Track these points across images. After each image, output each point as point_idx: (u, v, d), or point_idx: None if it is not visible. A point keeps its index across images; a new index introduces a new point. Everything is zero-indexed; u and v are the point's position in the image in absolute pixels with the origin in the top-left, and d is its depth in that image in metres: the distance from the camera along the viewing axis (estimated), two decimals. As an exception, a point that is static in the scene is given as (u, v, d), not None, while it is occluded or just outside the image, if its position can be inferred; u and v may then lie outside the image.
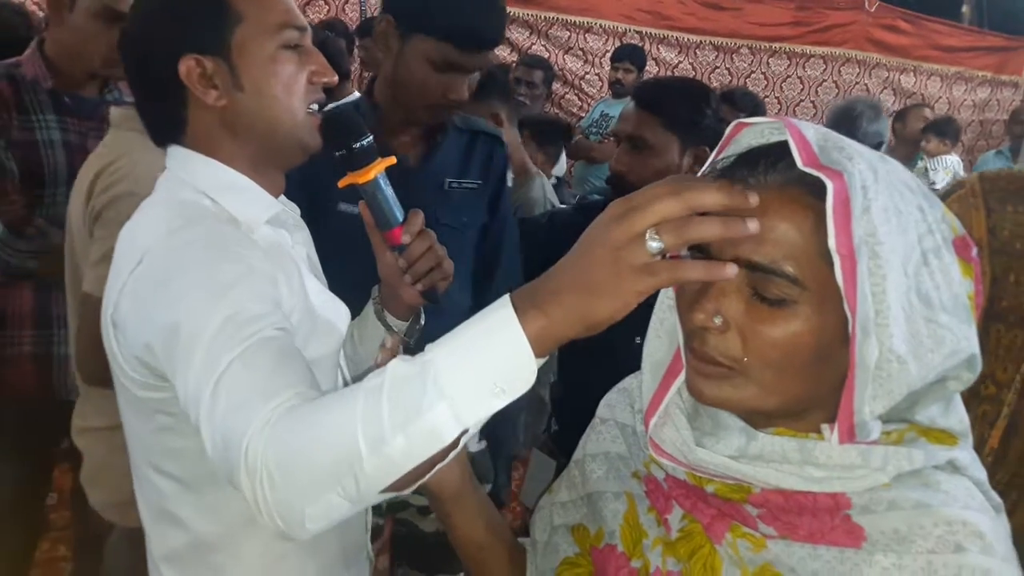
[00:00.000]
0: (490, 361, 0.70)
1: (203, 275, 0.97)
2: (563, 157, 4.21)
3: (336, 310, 1.22)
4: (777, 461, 0.75)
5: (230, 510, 1.09)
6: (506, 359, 0.70)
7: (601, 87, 5.81)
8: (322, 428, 0.76)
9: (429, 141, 1.81)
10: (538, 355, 0.70)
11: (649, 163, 1.86)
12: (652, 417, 0.82)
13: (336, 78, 1.17)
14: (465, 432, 0.72)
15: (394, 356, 0.93)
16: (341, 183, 1.16)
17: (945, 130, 4.94)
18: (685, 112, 1.87)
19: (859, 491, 0.73)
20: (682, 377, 0.81)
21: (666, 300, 0.84)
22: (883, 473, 0.72)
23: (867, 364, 0.69)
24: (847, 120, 3.42)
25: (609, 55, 5.43)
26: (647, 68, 5.83)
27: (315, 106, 1.15)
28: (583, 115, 5.57)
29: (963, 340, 0.71)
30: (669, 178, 0.68)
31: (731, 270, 0.66)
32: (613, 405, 0.98)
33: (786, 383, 0.73)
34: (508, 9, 6.35)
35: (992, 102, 6.90)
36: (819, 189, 0.67)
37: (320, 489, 0.75)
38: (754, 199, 0.67)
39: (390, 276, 1.23)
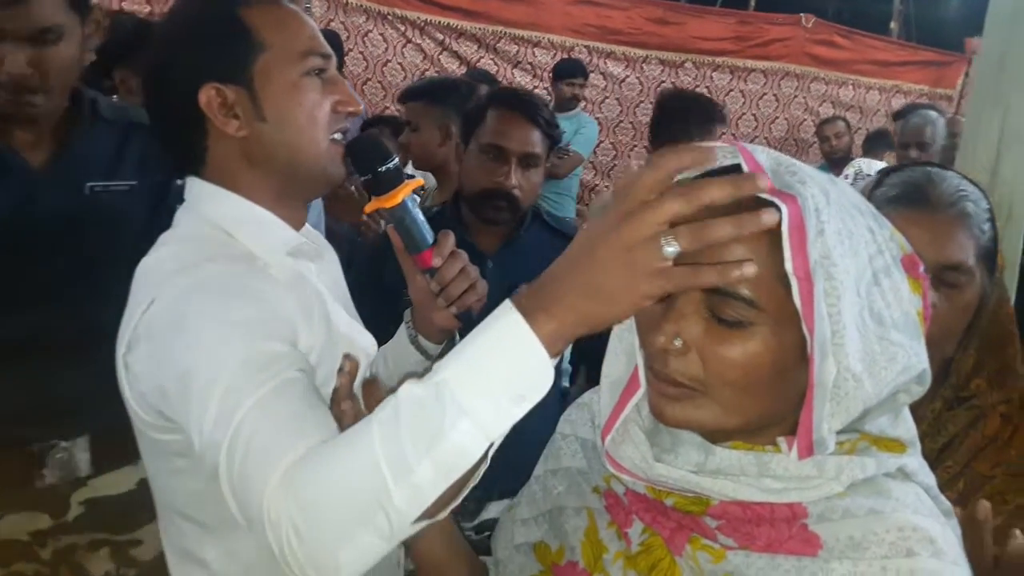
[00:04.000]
0: (505, 368, 0.69)
1: (216, 316, 0.94)
2: None
3: (361, 342, 1.20)
4: (735, 474, 0.77)
5: (251, 553, 1.05)
6: (521, 364, 0.69)
7: (550, 102, 5.86)
8: (342, 469, 0.73)
9: (58, 136, 1.57)
10: (552, 356, 0.69)
11: (537, 178, 1.94)
12: (608, 433, 0.83)
13: (361, 107, 1.15)
14: (491, 446, 0.71)
15: (352, 381, 0.93)
16: (367, 208, 1.14)
17: (877, 144, 5.10)
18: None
19: (815, 500, 0.75)
20: (640, 394, 0.82)
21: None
22: (837, 482, 0.75)
23: (825, 383, 0.71)
24: None
25: (558, 69, 5.48)
26: (594, 83, 5.95)
27: (339, 135, 1.12)
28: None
29: (914, 356, 0.74)
30: (654, 158, 0.68)
31: (749, 269, 0.67)
32: (574, 420, 0.99)
33: (746, 402, 0.74)
34: (456, 23, 6.33)
35: (930, 115, 7.12)
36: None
37: (351, 531, 0.73)
38: (763, 181, 0.67)
39: (422, 300, 1.18)
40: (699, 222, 0.66)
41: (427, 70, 5.82)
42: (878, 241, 0.74)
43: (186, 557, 1.12)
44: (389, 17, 5.81)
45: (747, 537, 0.76)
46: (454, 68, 5.86)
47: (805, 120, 6.68)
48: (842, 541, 0.73)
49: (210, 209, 1.10)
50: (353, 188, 2.45)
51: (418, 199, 1.17)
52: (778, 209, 0.68)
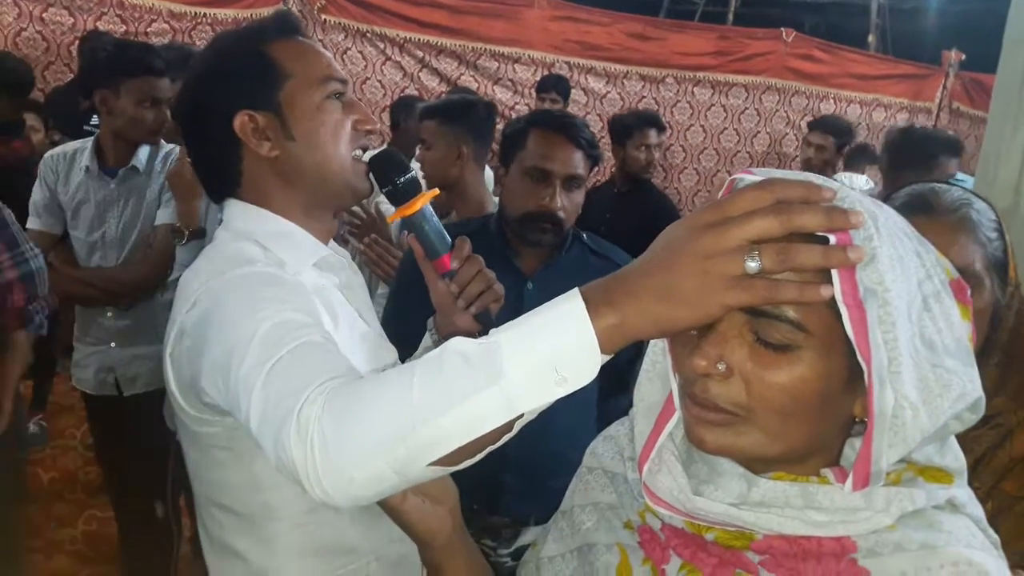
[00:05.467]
0: (553, 348, 0.68)
1: (249, 296, 1.04)
2: (492, 185, 4.13)
3: (382, 353, 1.28)
4: (779, 506, 0.73)
5: (284, 542, 1.18)
6: (570, 348, 0.68)
7: (531, 117, 5.83)
8: (378, 395, 0.76)
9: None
10: (606, 351, 0.68)
11: (579, 199, 1.94)
12: (645, 462, 0.80)
13: (378, 125, 1.26)
14: (521, 417, 0.71)
15: None
16: (390, 218, 1.31)
17: (858, 159, 5.10)
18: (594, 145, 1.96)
19: (864, 534, 0.72)
20: (674, 420, 0.79)
21: (658, 343, 0.82)
22: (886, 515, 0.71)
23: (884, 414, 0.68)
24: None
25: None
26: (575, 99, 5.92)
27: (360, 151, 1.23)
28: (514, 145, 5.56)
29: (968, 383, 0.71)
30: (765, 182, 0.66)
31: (826, 291, 0.64)
32: (600, 454, 0.95)
33: (790, 429, 0.71)
34: (436, 40, 6.32)
35: (910, 128, 7.20)
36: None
37: (370, 454, 0.75)
38: (856, 218, 0.64)
39: (443, 304, 1.26)
40: (787, 244, 0.63)
41: (407, 87, 5.79)
42: (926, 266, 0.72)
43: (224, 549, 1.22)
44: (368, 35, 5.78)
45: (792, 573, 0.73)
46: (434, 85, 5.83)
47: (787, 134, 6.71)
48: None
49: (245, 225, 1.21)
50: (365, 211, 2.49)
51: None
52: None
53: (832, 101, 6.76)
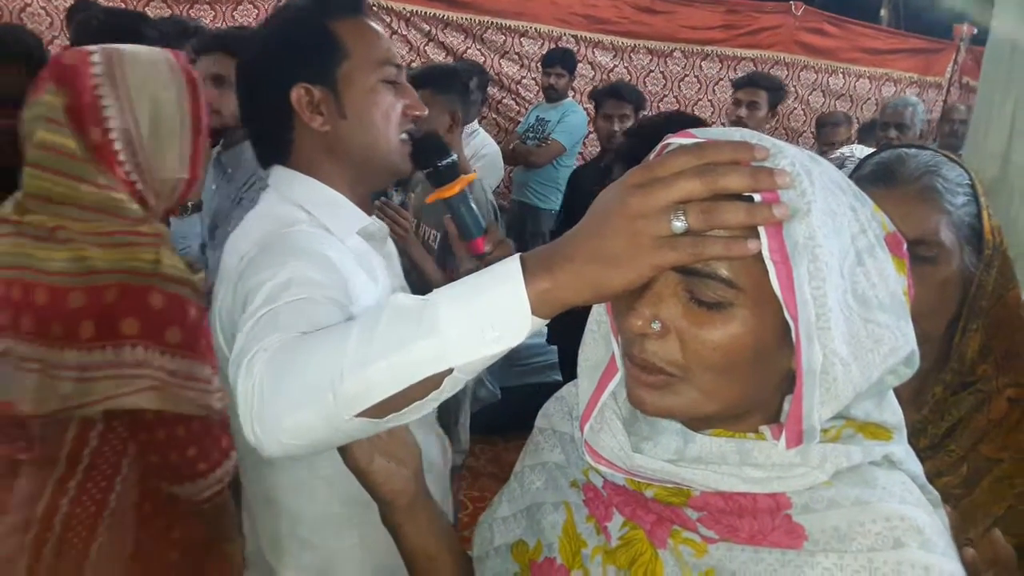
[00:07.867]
0: (487, 309, 0.70)
1: (279, 253, 1.10)
2: (500, 162, 4.14)
3: None
4: (715, 463, 0.74)
5: (313, 490, 1.24)
6: (502, 309, 0.70)
7: (538, 91, 5.81)
8: (317, 345, 0.78)
9: None
10: (541, 315, 0.69)
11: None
12: (587, 421, 0.81)
13: (425, 111, 1.30)
14: (450, 373, 0.72)
15: None
16: (429, 199, 1.31)
17: (872, 134, 5.07)
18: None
19: (799, 490, 0.73)
20: (617, 378, 0.80)
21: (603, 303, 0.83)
22: (822, 471, 0.72)
23: (813, 370, 0.68)
24: None
25: (545, 59, 5.41)
26: (582, 72, 5.88)
27: (406, 135, 1.28)
28: (521, 120, 5.56)
29: (901, 337, 0.71)
30: (697, 144, 0.67)
31: (753, 245, 0.65)
32: (551, 415, 0.97)
33: (726, 387, 0.72)
34: (442, 13, 6.28)
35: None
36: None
37: (300, 403, 0.76)
38: (782, 178, 0.64)
39: None
40: (710, 203, 0.64)
41: (413, 61, 5.75)
42: (860, 220, 0.72)
43: (265, 501, 1.29)
44: (374, 8, 5.74)
45: (729, 529, 0.74)
46: (441, 59, 5.80)
47: (795, 109, 6.65)
48: (827, 532, 0.71)
49: (292, 191, 1.26)
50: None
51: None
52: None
53: (841, 76, 6.69)
